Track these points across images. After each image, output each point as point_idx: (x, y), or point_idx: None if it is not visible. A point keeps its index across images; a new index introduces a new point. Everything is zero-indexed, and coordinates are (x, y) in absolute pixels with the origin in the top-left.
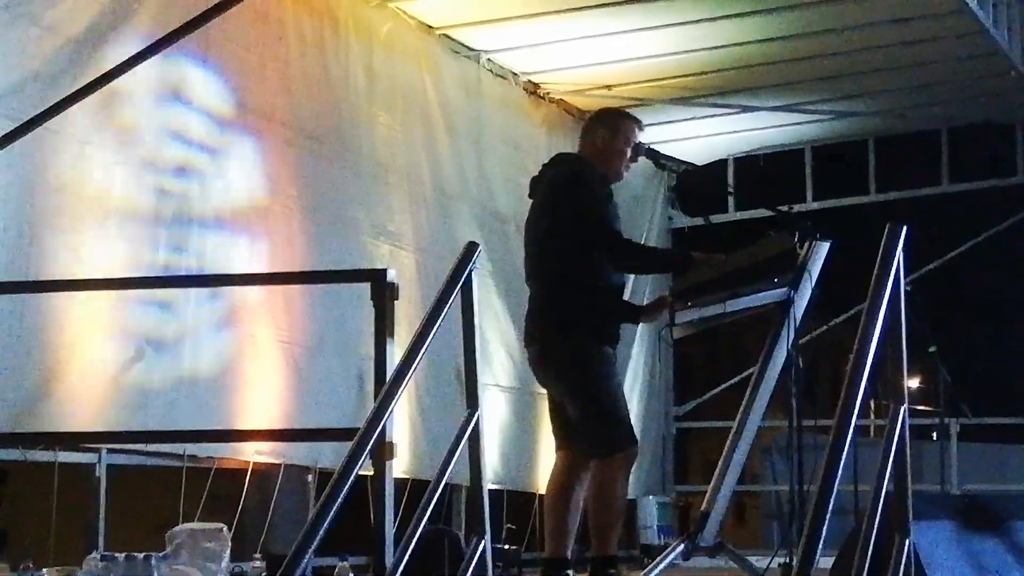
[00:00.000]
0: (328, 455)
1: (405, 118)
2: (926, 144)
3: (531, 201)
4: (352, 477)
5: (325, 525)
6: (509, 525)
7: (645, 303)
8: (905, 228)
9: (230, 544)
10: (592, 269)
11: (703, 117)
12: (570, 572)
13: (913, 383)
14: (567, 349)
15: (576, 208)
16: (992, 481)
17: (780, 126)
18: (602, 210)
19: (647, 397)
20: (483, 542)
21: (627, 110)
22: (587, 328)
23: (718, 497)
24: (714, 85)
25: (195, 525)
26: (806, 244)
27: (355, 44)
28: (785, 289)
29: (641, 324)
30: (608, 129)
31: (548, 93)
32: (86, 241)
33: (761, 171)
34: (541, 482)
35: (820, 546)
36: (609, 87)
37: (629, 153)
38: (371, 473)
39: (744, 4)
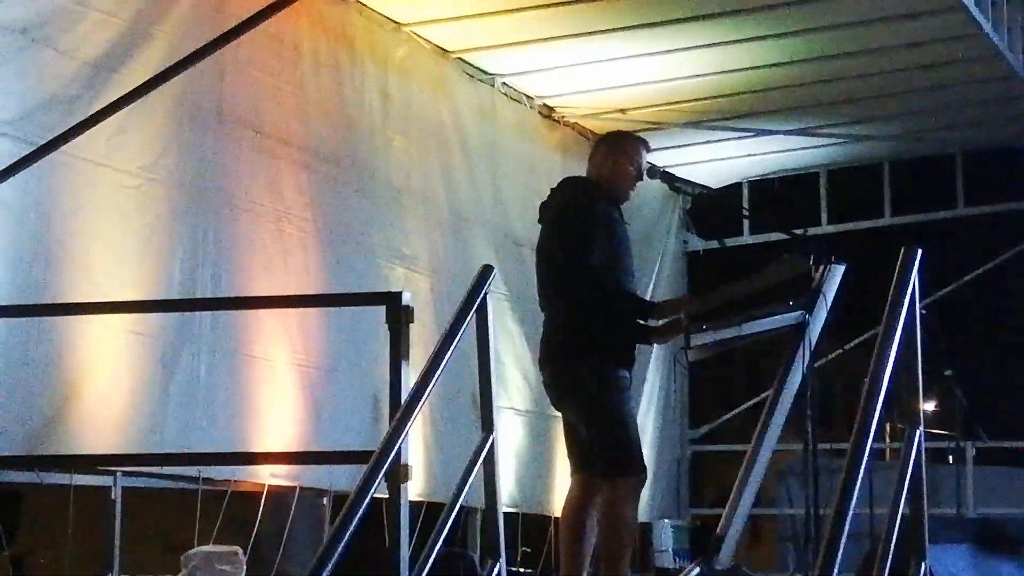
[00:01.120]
0: (343, 478)
1: (420, 141)
2: (941, 167)
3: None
4: (367, 500)
5: (340, 548)
6: (525, 548)
7: (660, 324)
8: (920, 251)
9: (245, 567)
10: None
11: (718, 140)
12: None
13: (929, 406)
14: (581, 372)
15: (570, 247)
16: (1008, 505)
17: (795, 150)
18: (593, 251)
19: (662, 420)
20: (498, 565)
21: (637, 132)
22: (602, 352)
23: (733, 520)
24: (729, 109)
25: (210, 548)
26: (821, 267)
27: (370, 67)
28: (800, 312)
29: (656, 347)
30: (614, 151)
31: (563, 117)
32: (101, 264)
33: (776, 194)
34: (557, 505)
35: (836, 569)
36: (624, 111)
37: (635, 173)
38: (386, 496)
39: (759, 28)
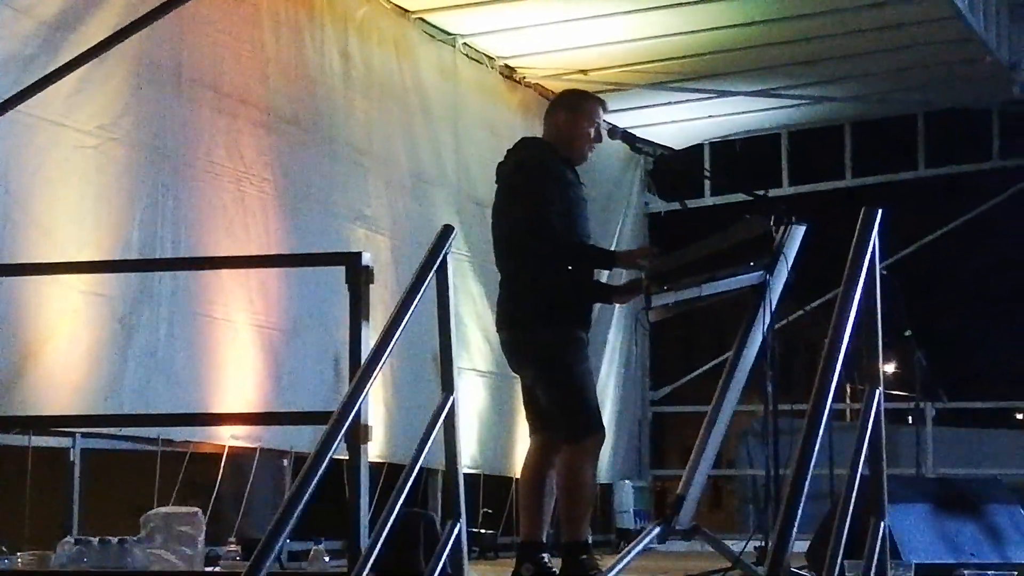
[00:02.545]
0: (304, 439)
1: (381, 102)
2: (902, 129)
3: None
4: (327, 460)
5: (300, 508)
6: (485, 509)
7: (621, 283)
8: (881, 212)
9: (205, 528)
10: None
11: (679, 102)
12: (545, 556)
13: (889, 367)
14: (538, 334)
15: (526, 205)
16: (967, 465)
17: (756, 111)
18: (550, 209)
19: (623, 382)
20: (458, 526)
21: (598, 93)
22: (558, 313)
23: (694, 481)
24: (690, 70)
25: (170, 509)
26: (782, 228)
27: (330, 28)
28: (761, 273)
29: (617, 308)
30: (571, 111)
31: (524, 77)
32: (60, 224)
33: (737, 156)
34: (518, 466)
35: (795, 529)
36: (585, 72)
37: (593, 134)
38: (346, 457)
39: None
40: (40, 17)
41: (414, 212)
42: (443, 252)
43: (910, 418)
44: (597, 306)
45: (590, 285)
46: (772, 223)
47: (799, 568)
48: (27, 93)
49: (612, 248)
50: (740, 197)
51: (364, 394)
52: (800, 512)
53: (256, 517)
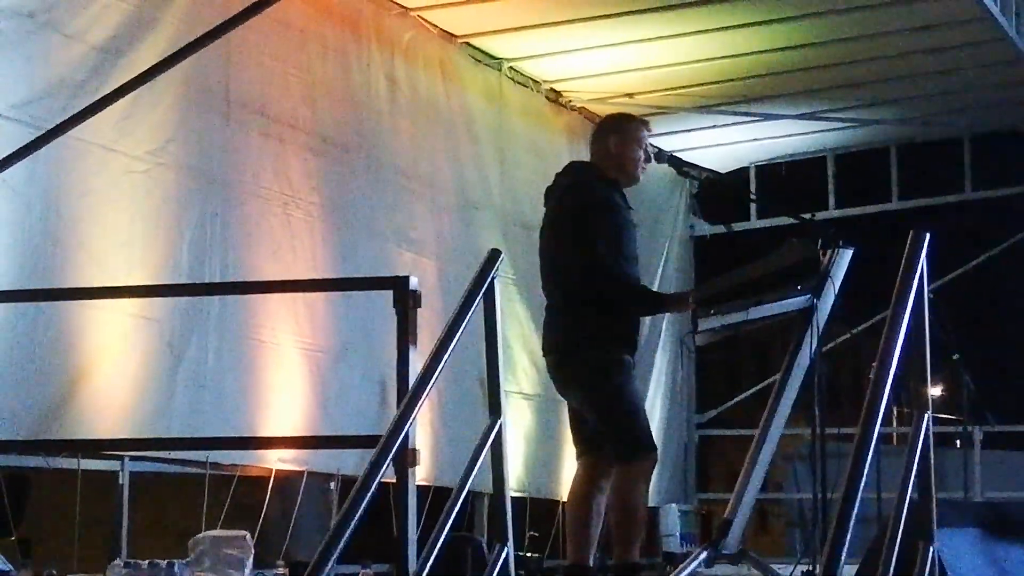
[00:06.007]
0: (351, 462)
1: (427, 126)
2: (948, 151)
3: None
4: (375, 484)
5: (348, 532)
6: (532, 532)
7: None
8: (928, 235)
9: (253, 551)
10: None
11: (725, 125)
12: None
13: (936, 391)
14: (584, 357)
15: (574, 236)
16: (1016, 489)
17: (802, 134)
18: (599, 242)
19: (669, 405)
20: (506, 549)
21: (644, 116)
22: (605, 336)
23: (741, 505)
24: (736, 93)
25: (218, 532)
26: (829, 251)
27: (377, 52)
28: (808, 296)
29: (663, 332)
30: (619, 135)
31: (570, 101)
32: (109, 248)
33: (783, 179)
34: (564, 489)
35: (844, 554)
36: (631, 95)
37: (643, 156)
38: (394, 480)
39: (766, 12)
40: (90, 43)
41: (460, 235)
42: (490, 276)
43: (958, 442)
44: (644, 330)
45: (640, 296)
46: (819, 246)
47: None
48: (77, 119)
49: (658, 270)
50: (786, 220)
51: (412, 418)
52: (849, 536)
53: (303, 540)
